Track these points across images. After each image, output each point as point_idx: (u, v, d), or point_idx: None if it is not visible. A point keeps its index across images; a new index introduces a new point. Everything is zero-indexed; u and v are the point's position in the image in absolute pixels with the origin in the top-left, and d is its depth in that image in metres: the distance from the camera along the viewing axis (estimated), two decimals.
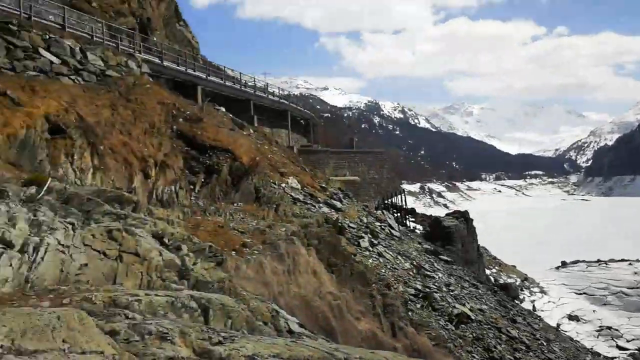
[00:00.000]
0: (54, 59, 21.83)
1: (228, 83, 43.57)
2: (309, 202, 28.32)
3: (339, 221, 27.08)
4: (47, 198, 9.88)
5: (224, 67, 50.22)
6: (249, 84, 49.09)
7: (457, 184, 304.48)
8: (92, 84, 23.32)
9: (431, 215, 65.57)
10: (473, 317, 24.31)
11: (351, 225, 28.74)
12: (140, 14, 37.33)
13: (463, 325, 23.11)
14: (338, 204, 31.44)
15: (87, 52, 24.06)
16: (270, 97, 50.98)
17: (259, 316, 8.68)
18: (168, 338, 5.27)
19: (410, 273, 26.82)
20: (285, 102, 54.66)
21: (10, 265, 7.14)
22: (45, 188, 10.30)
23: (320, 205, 29.28)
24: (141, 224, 10.07)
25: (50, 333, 4.33)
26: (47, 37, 22.23)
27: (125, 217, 10.01)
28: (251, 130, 36.33)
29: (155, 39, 37.99)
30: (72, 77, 22.45)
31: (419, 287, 25.13)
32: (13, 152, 16.20)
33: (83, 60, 23.55)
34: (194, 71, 37.73)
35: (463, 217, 52.72)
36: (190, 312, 7.01)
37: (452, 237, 45.39)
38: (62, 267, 7.67)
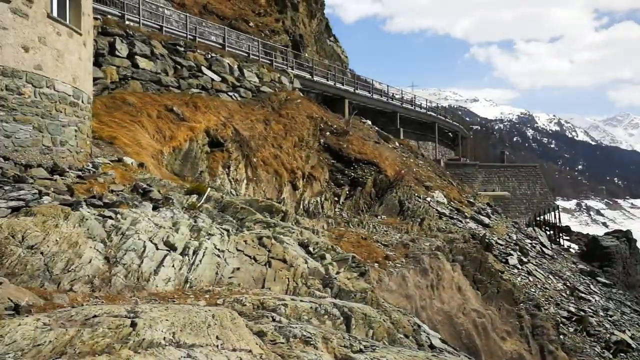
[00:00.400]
0: (214, 76, 23.57)
1: (375, 96, 44.09)
2: (455, 216, 27.79)
3: (487, 237, 26.29)
4: (206, 206, 10.71)
5: (372, 80, 50.89)
6: (396, 96, 49.25)
7: (619, 201, 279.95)
8: (247, 99, 24.85)
9: (588, 234, 61.37)
10: (634, 346, 22.35)
11: (499, 241, 27.79)
12: (294, 32, 39.05)
13: (622, 354, 21.35)
14: (486, 220, 30.53)
15: (244, 70, 25.66)
16: (417, 109, 50.73)
17: (400, 328, 8.69)
18: (311, 342, 5.49)
19: (563, 294, 25.32)
20: (433, 114, 54.06)
21: (173, 266, 7.86)
22: (204, 197, 11.17)
23: (467, 220, 28.63)
24: (289, 232, 10.55)
25: (206, 329, 4.72)
26: (209, 56, 24.05)
27: (274, 226, 10.55)
28: (397, 143, 36.43)
29: (306, 55, 39.51)
30: (230, 93, 24.08)
31: (573, 309, 23.64)
32: (178, 163, 17.72)
33: (240, 77, 25.15)
34: (342, 85, 38.66)
35: (625, 237, 48.89)
36: (333, 319, 7.22)
37: (612, 258, 42.13)
38: (217, 269, 8.27)
